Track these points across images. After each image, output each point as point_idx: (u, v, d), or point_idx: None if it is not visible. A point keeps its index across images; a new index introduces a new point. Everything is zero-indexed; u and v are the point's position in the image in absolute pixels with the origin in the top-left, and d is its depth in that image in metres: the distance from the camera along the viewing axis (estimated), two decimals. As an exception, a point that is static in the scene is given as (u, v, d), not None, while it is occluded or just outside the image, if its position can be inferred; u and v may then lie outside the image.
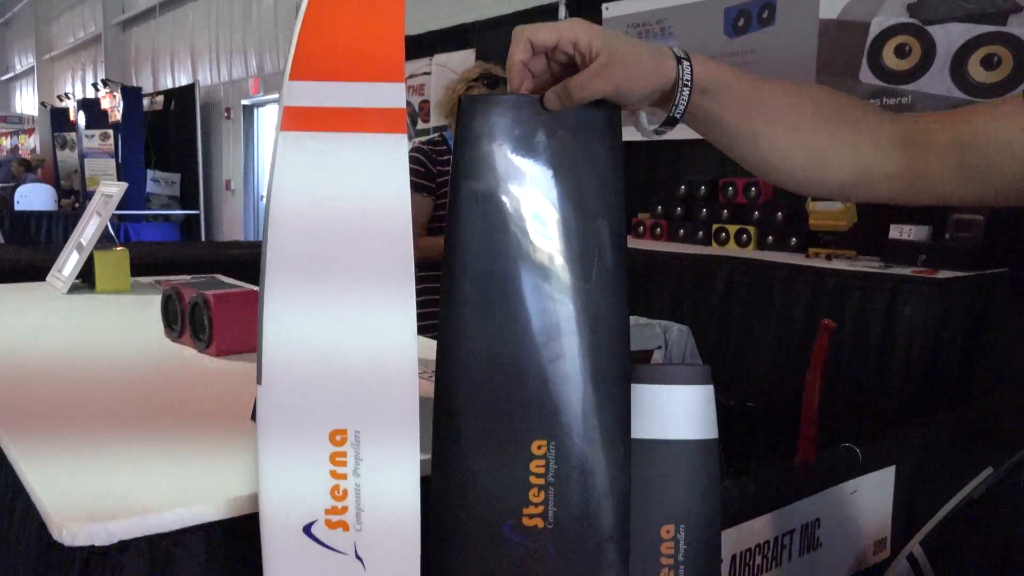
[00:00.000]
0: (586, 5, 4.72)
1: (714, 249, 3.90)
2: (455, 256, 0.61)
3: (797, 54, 3.76)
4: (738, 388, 3.36)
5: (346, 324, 0.54)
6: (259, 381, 0.55)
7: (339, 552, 0.58)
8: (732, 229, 3.89)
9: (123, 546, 0.68)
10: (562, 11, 4.79)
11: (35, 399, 1.09)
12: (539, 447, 0.66)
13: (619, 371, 0.67)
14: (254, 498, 0.73)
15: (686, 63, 0.76)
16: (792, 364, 3.12)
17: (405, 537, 0.58)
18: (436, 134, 2.76)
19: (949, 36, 3.28)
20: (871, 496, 1.43)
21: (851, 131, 0.79)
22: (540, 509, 0.67)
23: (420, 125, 5.87)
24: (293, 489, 0.57)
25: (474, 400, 0.64)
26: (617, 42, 0.71)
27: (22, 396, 1.10)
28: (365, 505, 0.57)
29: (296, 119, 0.51)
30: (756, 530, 1.23)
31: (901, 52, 3.43)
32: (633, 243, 4.18)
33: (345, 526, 0.58)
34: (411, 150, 3.05)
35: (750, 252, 3.75)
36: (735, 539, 1.20)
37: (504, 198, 0.62)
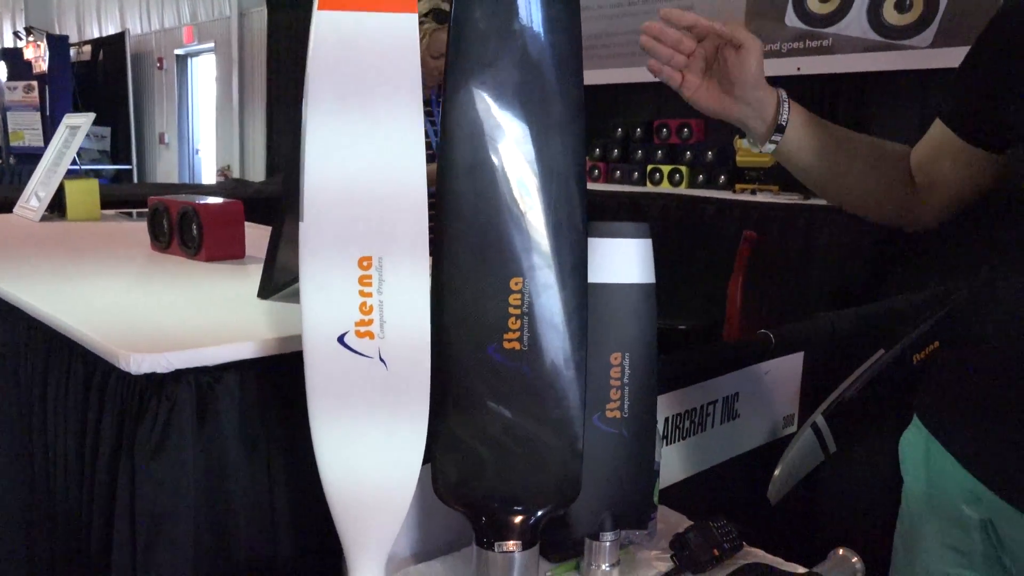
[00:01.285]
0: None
1: (649, 188, 4.12)
2: (449, 142, 0.78)
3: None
4: (675, 313, 3.60)
5: (371, 159, 0.70)
6: (301, 219, 0.71)
7: (366, 356, 0.75)
8: (666, 169, 4.11)
9: (176, 376, 0.84)
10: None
11: (59, 276, 1.23)
12: (516, 283, 0.83)
13: (577, 224, 0.85)
14: (277, 341, 0.89)
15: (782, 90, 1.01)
16: (723, 288, 3.36)
17: (418, 343, 0.76)
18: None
19: (865, -18, 3.51)
20: (782, 376, 1.66)
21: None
22: (517, 335, 0.85)
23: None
24: (329, 307, 0.73)
25: (465, 244, 0.81)
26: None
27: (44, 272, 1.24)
28: (387, 317, 0.74)
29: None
30: (685, 397, 1.44)
31: (823, -3, 3.65)
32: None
33: (371, 335, 0.74)
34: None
35: (683, 190, 3.98)
36: (668, 404, 1.41)
37: (489, 90, 0.79)
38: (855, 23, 3.54)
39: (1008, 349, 0.87)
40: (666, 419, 1.41)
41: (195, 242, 1.44)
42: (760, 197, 3.52)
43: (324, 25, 0.67)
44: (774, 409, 1.66)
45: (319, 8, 0.67)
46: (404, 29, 0.69)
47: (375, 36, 0.69)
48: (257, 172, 7.50)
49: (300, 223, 0.72)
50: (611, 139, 4.39)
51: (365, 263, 0.72)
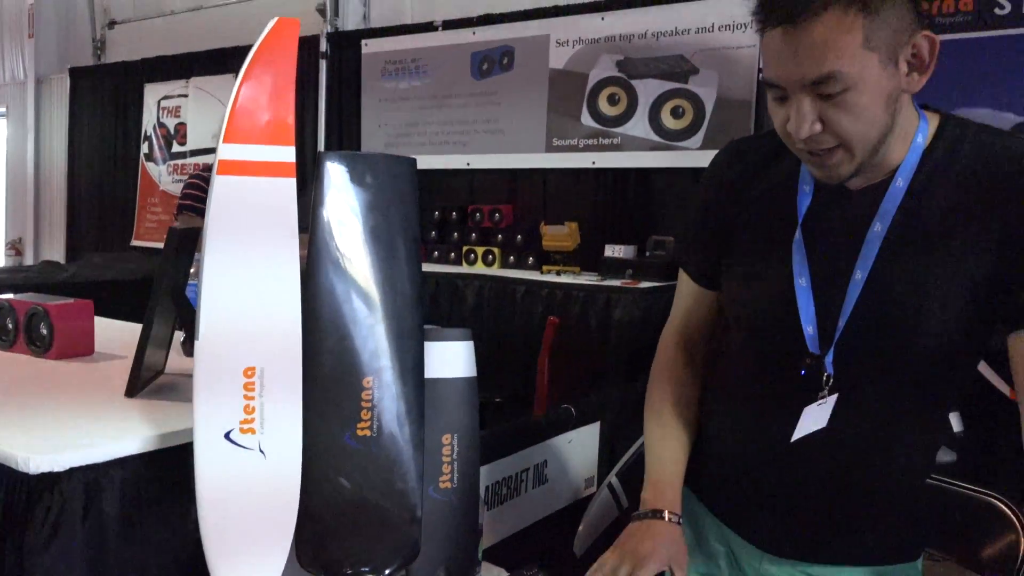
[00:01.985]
0: (346, 41, 5.08)
1: (465, 268, 4.41)
2: (316, 265, 0.97)
3: (532, 97, 4.38)
4: (492, 386, 3.87)
5: (256, 291, 0.88)
6: (197, 337, 0.88)
7: (248, 448, 0.92)
8: (480, 250, 4.42)
9: (69, 473, 0.96)
10: (323, 44, 5.10)
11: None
12: (367, 382, 1.03)
13: (416, 333, 1.06)
14: (158, 438, 1.03)
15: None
16: (533, 363, 3.68)
17: (291, 435, 0.93)
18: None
19: (648, 89, 4.04)
20: (583, 443, 1.93)
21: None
22: (368, 423, 1.04)
23: (175, 148, 5.87)
24: (218, 409, 0.90)
25: (327, 352, 1.00)
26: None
27: None
28: (267, 415, 0.92)
29: (228, 167, 0.85)
30: (503, 467, 1.67)
31: (612, 100, 4.16)
32: (392, 262, 4.58)
33: (253, 431, 0.91)
34: (192, 176, 3.22)
35: (495, 270, 4.30)
36: (489, 473, 1.63)
37: (346, 227, 1.00)
38: (639, 125, 4.06)
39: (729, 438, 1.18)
40: (487, 487, 1.63)
41: (44, 341, 1.51)
42: (564, 278, 3.90)
43: (221, 186, 0.86)
44: (577, 473, 1.93)
45: (218, 173, 0.85)
46: (283, 190, 0.89)
47: (261, 195, 0.88)
48: (55, 248, 7.08)
49: (196, 341, 0.88)
50: (429, 221, 4.67)
51: (249, 372, 0.90)
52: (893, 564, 1.16)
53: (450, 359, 1.14)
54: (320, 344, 1.00)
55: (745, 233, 1.15)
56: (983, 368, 3.08)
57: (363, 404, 1.04)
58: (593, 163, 4.21)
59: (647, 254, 3.89)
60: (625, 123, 4.11)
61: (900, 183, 1.04)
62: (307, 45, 5.13)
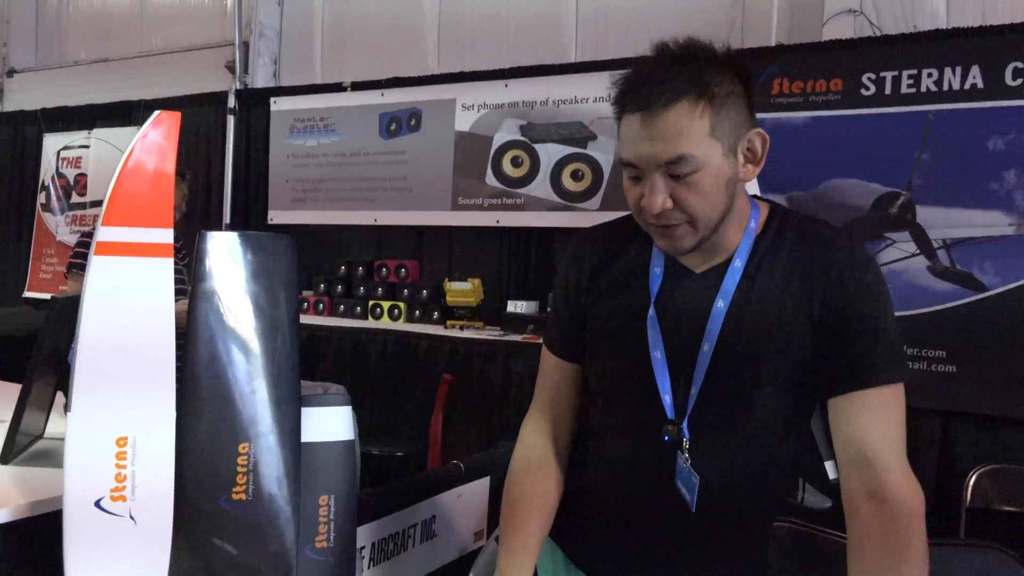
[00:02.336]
0: (255, 98, 5.12)
1: (371, 322, 4.44)
2: (196, 336, 1.03)
3: (439, 158, 4.50)
4: (394, 441, 3.88)
5: (129, 369, 0.93)
6: (68, 409, 0.92)
7: (119, 516, 0.95)
8: (386, 305, 4.47)
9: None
10: (231, 100, 5.12)
11: None
12: (243, 447, 1.08)
13: (293, 400, 1.12)
14: (30, 505, 1.06)
15: None
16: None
17: (162, 502, 0.98)
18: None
19: (549, 153, 4.21)
20: (472, 498, 2.00)
21: None
22: (244, 487, 1.09)
23: (75, 199, 5.74)
24: (88, 477, 0.93)
25: (202, 419, 1.05)
26: None
27: None
28: (138, 484, 0.96)
29: (106, 248, 0.91)
30: (390, 524, 1.72)
31: (516, 163, 4.31)
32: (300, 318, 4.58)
33: (124, 499, 0.95)
34: (83, 235, 3.17)
35: (401, 324, 4.35)
36: (376, 530, 1.68)
37: (226, 302, 1.06)
38: (541, 187, 4.22)
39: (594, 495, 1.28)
40: (373, 544, 1.67)
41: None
42: (466, 333, 3.98)
43: (98, 267, 0.91)
44: (466, 527, 1.99)
45: (96, 253, 0.91)
46: (160, 269, 0.95)
47: (137, 274, 0.94)
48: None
49: (68, 412, 0.92)
50: (335, 276, 4.70)
51: (121, 442, 0.94)
52: None
53: (328, 423, 1.20)
54: (198, 412, 1.05)
55: (604, 311, 1.25)
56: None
57: (239, 469, 1.08)
58: (497, 221, 4.34)
59: (548, 310, 4.01)
60: (528, 184, 4.26)
61: (737, 264, 1.17)
62: (215, 101, 5.15)
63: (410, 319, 4.40)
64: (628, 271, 1.24)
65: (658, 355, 1.18)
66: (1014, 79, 3.21)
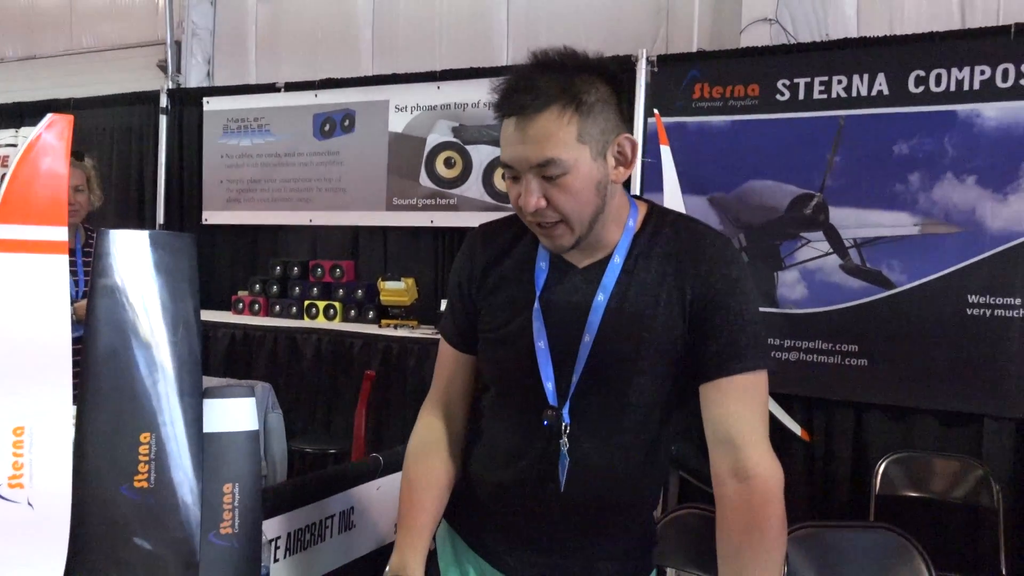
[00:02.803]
0: (187, 97, 5.08)
1: (306, 322, 4.46)
2: (96, 330, 1.07)
3: (373, 159, 4.54)
4: (329, 439, 3.92)
5: (25, 362, 0.97)
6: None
7: (16, 502, 0.99)
8: (321, 304, 4.49)
9: None
10: (163, 99, 5.08)
11: None
12: (145, 437, 1.13)
13: (194, 390, 1.17)
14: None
15: None
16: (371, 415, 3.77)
17: (61, 488, 1.02)
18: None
19: (481, 155, 4.29)
20: (391, 490, 2.05)
21: None
22: (145, 476, 1.14)
23: (3, 197, 5.62)
24: (-13, 465, 0.97)
25: (100, 408, 1.09)
26: None
27: None
28: (35, 471, 1.00)
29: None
30: (307, 514, 1.76)
31: (449, 164, 4.38)
32: (234, 318, 4.58)
33: (21, 485, 0.99)
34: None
35: (336, 324, 4.38)
36: (292, 520, 1.72)
37: (126, 298, 1.10)
38: (474, 187, 4.30)
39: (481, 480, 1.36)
40: (288, 534, 1.72)
41: None
42: (400, 331, 4.03)
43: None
44: (385, 518, 2.04)
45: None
46: (55, 264, 0.99)
47: (32, 270, 0.98)
48: None
49: (-34, 402, 0.96)
50: (271, 276, 4.70)
51: (18, 431, 0.98)
52: None
53: (231, 414, 1.25)
54: (98, 403, 1.09)
55: (495, 304, 1.32)
56: (775, 409, 3.44)
57: (140, 458, 1.13)
58: (431, 222, 4.40)
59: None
60: (461, 185, 4.33)
61: (617, 260, 1.25)
62: (147, 100, 5.10)
63: (345, 319, 4.43)
64: (516, 266, 1.31)
65: (542, 345, 1.25)
66: (917, 87, 3.39)
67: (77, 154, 2.65)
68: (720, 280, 1.21)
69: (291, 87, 4.74)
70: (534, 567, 1.32)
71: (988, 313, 3.28)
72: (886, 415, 3.50)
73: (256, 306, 4.68)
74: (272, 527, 1.62)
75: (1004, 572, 2.91)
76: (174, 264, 1.15)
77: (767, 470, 1.16)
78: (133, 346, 1.11)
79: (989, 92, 3.27)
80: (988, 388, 3.27)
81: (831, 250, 3.55)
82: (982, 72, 3.28)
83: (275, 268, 4.70)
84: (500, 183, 4.24)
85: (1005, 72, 3.25)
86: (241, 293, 4.77)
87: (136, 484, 1.13)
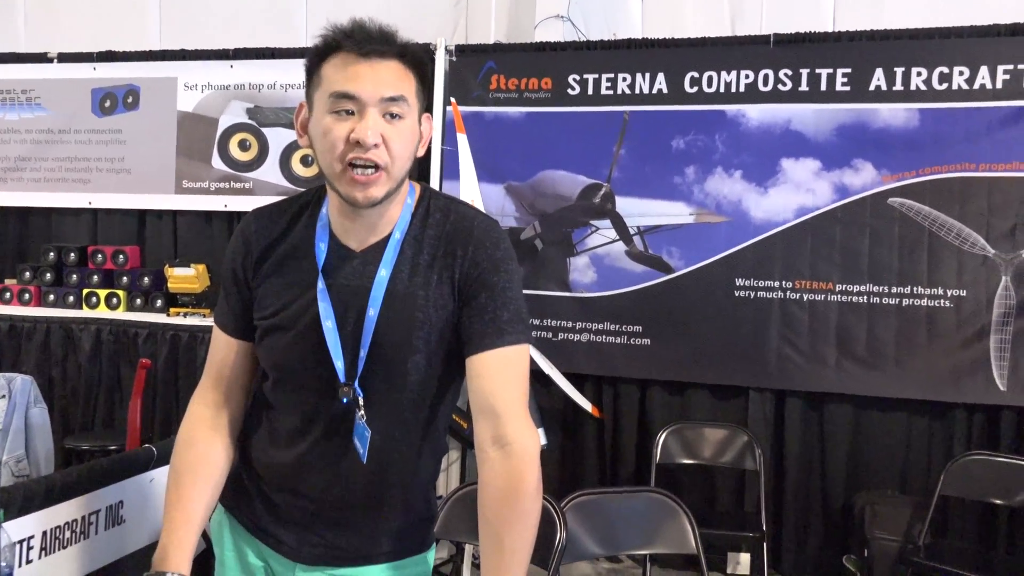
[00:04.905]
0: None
1: (86, 312, 4.14)
2: None
3: (160, 139, 4.28)
4: (105, 434, 3.67)
5: None
6: None
7: None
8: (103, 293, 4.19)
9: None
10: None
11: None
12: None
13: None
14: None
15: None
16: (151, 407, 3.57)
17: None
18: None
19: (277, 137, 4.17)
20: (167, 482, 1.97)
21: None
22: None
23: None
24: None
25: None
26: None
27: None
28: None
29: None
30: (64, 511, 1.66)
31: (243, 146, 4.21)
32: (1, 308, 4.18)
33: None
34: None
35: (120, 313, 4.10)
36: (48, 517, 1.61)
37: None
38: (271, 171, 4.17)
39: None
40: (44, 532, 1.61)
41: None
42: (190, 320, 3.84)
43: None
44: (160, 512, 1.96)
45: None
46: None
47: None
48: None
49: None
50: (44, 263, 4.32)
51: None
52: (408, 557, 1.37)
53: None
54: None
55: (275, 288, 1.30)
56: (568, 388, 3.61)
57: None
58: (225, 206, 4.22)
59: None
60: (256, 168, 4.18)
61: (397, 235, 1.28)
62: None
63: (131, 308, 4.16)
64: (295, 248, 1.30)
65: (329, 324, 1.25)
66: (691, 87, 3.67)
67: None
68: (485, 260, 1.26)
69: (65, 58, 4.37)
70: (316, 547, 1.33)
71: (752, 295, 3.62)
72: (666, 390, 3.77)
73: (27, 296, 4.28)
74: (22, 527, 1.51)
75: (764, 528, 3.24)
76: None
77: (525, 438, 1.23)
78: None
79: (752, 95, 3.61)
80: (752, 363, 3.61)
81: (618, 237, 3.77)
82: (747, 76, 3.61)
83: (48, 254, 4.32)
84: (298, 167, 4.15)
85: (766, 77, 3.59)
86: (8, 282, 4.35)
87: None
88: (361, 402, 1.26)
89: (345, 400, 1.26)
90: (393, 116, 1.19)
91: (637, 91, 3.72)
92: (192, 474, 1.32)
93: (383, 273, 1.26)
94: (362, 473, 1.29)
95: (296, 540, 1.34)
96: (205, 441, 1.34)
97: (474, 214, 1.32)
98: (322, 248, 1.29)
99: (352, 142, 1.18)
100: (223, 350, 1.38)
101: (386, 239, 1.28)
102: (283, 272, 1.30)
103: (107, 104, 4.35)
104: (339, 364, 1.26)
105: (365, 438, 1.26)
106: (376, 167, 1.19)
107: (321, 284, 1.27)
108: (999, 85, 3.34)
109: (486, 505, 1.22)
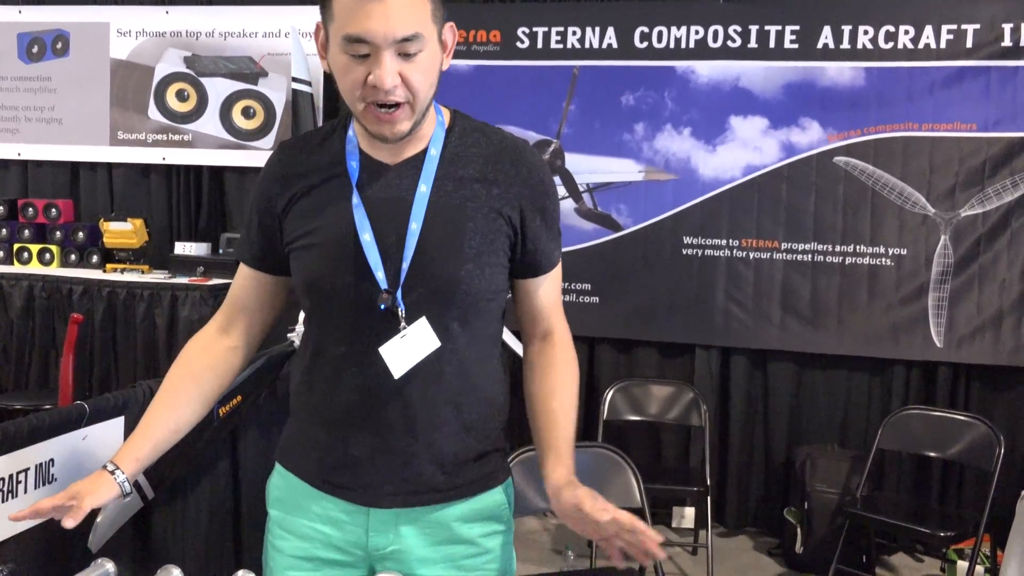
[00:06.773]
0: None
1: (17, 268, 3.99)
2: None
3: (92, 87, 4.11)
4: (39, 394, 3.56)
5: None
6: None
7: None
8: (35, 248, 4.03)
9: None
10: None
11: None
12: None
13: None
14: None
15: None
16: (88, 366, 3.46)
17: None
18: None
19: (217, 88, 4.02)
20: (102, 439, 1.90)
21: None
22: None
23: None
24: None
25: None
26: None
27: None
28: None
29: None
30: (-9, 468, 1.59)
31: (181, 96, 4.06)
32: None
33: None
34: None
35: (53, 269, 3.95)
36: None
37: None
38: (211, 123, 4.03)
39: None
40: (-35, 492, 1.54)
41: None
42: (127, 276, 3.72)
43: None
44: (95, 469, 1.90)
45: None
46: None
47: None
48: None
49: None
50: (-28, 216, 4.13)
51: None
52: (482, 493, 1.31)
53: None
54: None
55: (303, 211, 1.27)
56: (514, 344, 3.60)
57: None
58: (163, 159, 4.08)
59: (220, 252, 3.87)
60: (196, 120, 4.04)
61: (434, 152, 1.25)
62: None
63: (65, 263, 4.01)
64: (325, 168, 1.28)
65: (367, 237, 1.23)
66: (641, 42, 3.63)
67: None
68: (541, 186, 1.29)
69: (-12, 0, 4.15)
70: (382, 485, 1.27)
71: (699, 253, 3.65)
72: (614, 348, 3.79)
73: (-48, 251, 4.10)
74: (-57, 484, 1.45)
75: (708, 482, 3.29)
76: None
77: (566, 331, 1.37)
78: None
79: (702, 51, 3.59)
80: (698, 320, 3.65)
81: (567, 194, 3.75)
82: (696, 32, 3.58)
83: (-23, 207, 4.14)
84: (239, 119, 4.02)
85: (715, 33, 3.58)
86: (-68, 236, 4.17)
87: None
88: (402, 314, 1.23)
89: (384, 306, 1.22)
90: (408, 55, 1.15)
91: (587, 45, 3.67)
92: (172, 384, 1.36)
93: (423, 189, 1.23)
94: (426, 399, 1.24)
95: (363, 481, 1.28)
96: (193, 356, 1.37)
97: (514, 137, 1.32)
98: (354, 166, 1.26)
99: (371, 85, 1.15)
100: (243, 280, 1.37)
101: (421, 154, 1.25)
102: (314, 193, 1.28)
103: (35, 50, 4.15)
104: (379, 275, 1.23)
105: (421, 350, 1.23)
106: (398, 104, 1.16)
107: (356, 199, 1.24)
108: (943, 45, 3.38)
109: (549, 377, 1.32)
